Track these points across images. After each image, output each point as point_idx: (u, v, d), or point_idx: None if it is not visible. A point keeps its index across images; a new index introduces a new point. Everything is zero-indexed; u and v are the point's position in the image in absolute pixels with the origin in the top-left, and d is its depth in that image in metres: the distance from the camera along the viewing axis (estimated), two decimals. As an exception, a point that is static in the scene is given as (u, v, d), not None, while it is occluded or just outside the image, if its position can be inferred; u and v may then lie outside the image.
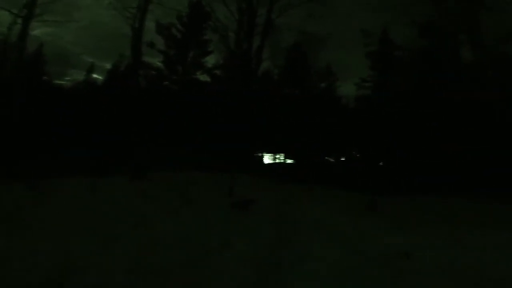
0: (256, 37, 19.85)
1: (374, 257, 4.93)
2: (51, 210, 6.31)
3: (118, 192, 8.29)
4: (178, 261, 4.34)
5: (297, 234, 6.04)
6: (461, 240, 5.63)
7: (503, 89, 14.74)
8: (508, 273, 4.12)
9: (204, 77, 21.16)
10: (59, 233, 5.02)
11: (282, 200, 8.70)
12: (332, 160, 16.27)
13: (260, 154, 16.41)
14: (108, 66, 30.09)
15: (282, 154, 15.94)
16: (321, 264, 4.84)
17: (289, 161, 19.39)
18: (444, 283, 3.87)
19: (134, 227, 5.63)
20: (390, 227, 6.54)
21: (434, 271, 4.24)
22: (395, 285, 3.91)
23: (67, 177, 9.80)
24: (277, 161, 18.58)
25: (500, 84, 15.18)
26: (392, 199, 11.07)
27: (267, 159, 18.29)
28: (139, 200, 7.66)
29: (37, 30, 20.46)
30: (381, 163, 15.79)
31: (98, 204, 6.98)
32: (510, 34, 16.34)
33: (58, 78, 29.73)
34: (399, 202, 10.46)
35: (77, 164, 12.75)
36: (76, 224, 5.57)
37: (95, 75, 31.30)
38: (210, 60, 22.02)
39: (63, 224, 5.54)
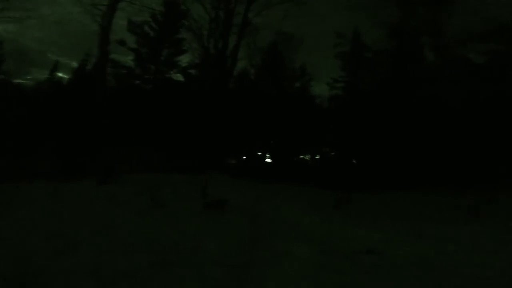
0: (233, 37, 20.00)
1: (344, 254, 5.09)
2: (8, 218, 5.85)
3: (84, 197, 7.87)
4: (146, 265, 4.20)
5: (271, 233, 6.07)
6: (424, 234, 5.95)
7: (461, 89, 15.87)
8: (467, 265, 4.39)
9: (178, 77, 20.73)
10: (19, 240, 4.69)
11: (257, 199, 8.72)
12: (307, 158, 16.55)
13: (238, 154, 16.25)
14: (75, 64, 28.62)
15: (260, 153, 15.90)
16: (294, 263, 4.91)
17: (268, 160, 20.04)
18: (407, 276, 4.06)
19: (99, 232, 5.37)
20: (360, 223, 6.79)
21: (398, 265, 4.43)
22: (362, 280, 4.05)
23: (26, 183, 9.14)
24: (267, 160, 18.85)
25: (458, 84, 16.34)
26: (363, 195, 11.49)
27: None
28: (106, 204, 7.32)
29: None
30: (353, 161, 16.31)
31: (61, 210, 6.58)
32: (467, 36, 17.67)
33: (18, 77, 27.76)
34: (369, 198, 10.89)
35: (39, 168, 11.93)
36: (37, 231, 5.21)
37: (60, 74, 29.67)
38: (185, 59, 21.65)
39: (23, 231, 5.17)
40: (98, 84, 13.41)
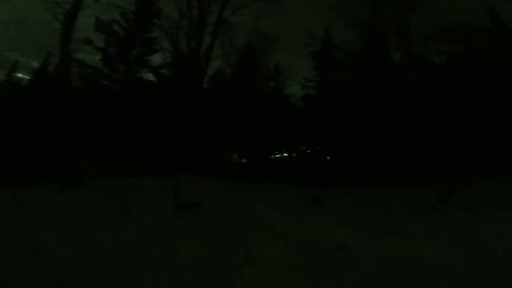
0: (207, 36, 19.83)
1: (316, 251, 5.19)
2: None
3: (47, 203, 7.38)
4: (114, 271, 4.03)
5: (245, 234, 6.07)
6: (393, 229, 6.22)
7: (425, 87, 16.89)
8: (434, 258, 4.63)
9: (149, 76, 20.10)
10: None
11: (231, 200, 8.67)
12: (283, 157, 16.69)
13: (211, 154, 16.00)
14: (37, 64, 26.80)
15: (236, 153, 15.78)
16: (267, 262, 4.94)
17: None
18: (375, 271, 4.21)
19: (63, 239, 5.08)
20: (332, 220, 6.95)
21: (367, 261, 4.59)
22: (333, 277, 4.16)
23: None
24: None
25: (422, 82, 17.41)
26: (337, 192, 11.82)
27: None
28: (71, 210, 6.92)
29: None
30: (328, 158, 16.70)
31: (22, 218, 6.14)
32: (428, 36, 18.92)
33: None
34: (342, 194, 11.20)
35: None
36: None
37: (20, 75, 27.71)
38: (157, 59, 21.05)
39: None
40: (61, 84, 12.61)
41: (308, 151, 17.47)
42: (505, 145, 13.38)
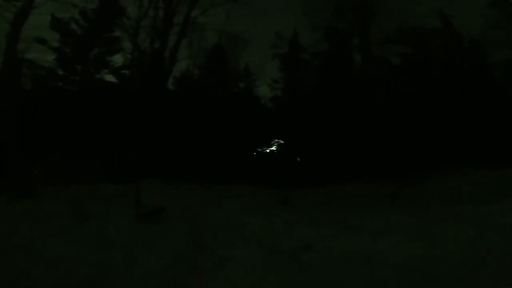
0: (174, 36, 19.37)
1: (283, 252, 5.24)
2: None
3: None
4: (71, 283, 3.74)
5: (213, 238, 5.96)
6: (355, 225, 6.48)
7: (386, 88, 18.04)
8: (388, 253, 4.87)
9: (110, 78, 19.06)
10: None
11: (199, 204, 8.45)
12: (253, 158, 16.59)
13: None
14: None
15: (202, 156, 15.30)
16: (236, 266, 4.90)
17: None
18: (341, 271, 4.34)
19: (14, 252, 4.62)
20: (300, 220, 7.08)
21: (333, 260, 4.73)
22: (300, 277, 4.23)
23: None
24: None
25: (383, 83, 18.58)
26: (305, 191, 12.07)
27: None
28: (21, 220, 6.31)
29: None
30: (297, 158, 16.96)
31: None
32: (385, 39, 20.30)
33: None
34: (309, 194, 11.46)
35: None
36: None
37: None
38: (118, 59, 20.04)
39: None
40: (6, 86, 11.46)
41: (277, 152, 17.67)
42: (461, 141, 14.58)
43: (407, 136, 15.06)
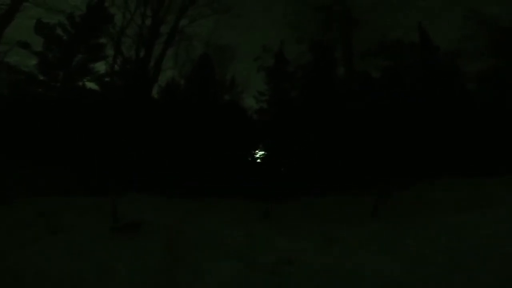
0: (160, 46, 19.34)
1: (263, 265, 5.19)
2: None
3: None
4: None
5: (192, 252, 5.83)
6: (334, 238, 6.51)
7: (366, 101, 18.53)
8: (373, 268, 4.89)
9: (93, 85, 18.69)
10: None
11: (179, 217, 8.25)
12: (236, 169, 16.38)
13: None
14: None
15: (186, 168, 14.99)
16: (215, 280, 4.80)
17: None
18: (319, 285, 4.33)
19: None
20: (281, 233, 7.06)
21: (312, 274, 4.74)
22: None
23: None
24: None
25: (364, 95, 19.09)
26: (288, 203, 12.03)
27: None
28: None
29: None
30: (281, 169, 16.92)
31: None
32: (366, 52, 21.05)
33: None
34: (291, 206, 11.42)
35: None
36: None
37: None
38: (101, 67, 19.70)
39: None
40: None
41: (261, 163, 17.62)
42: (441, 150, 15.07)
43: (387, 146, 15.47)
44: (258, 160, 17.52)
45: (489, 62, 19.70)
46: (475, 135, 15.47)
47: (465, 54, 20.21)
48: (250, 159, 16.44)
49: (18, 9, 17.34)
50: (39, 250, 5.35)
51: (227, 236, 6.64)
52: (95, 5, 20.25)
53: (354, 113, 17.31)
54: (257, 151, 18.10)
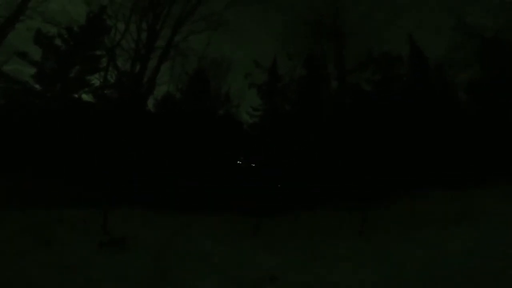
0: (155, 59, 19.63)
1: (248, 282, 5.24)
2: None
3: None
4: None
5: (179, 268, 5.89)
6: (319, 254, 6.58)
7: (356, 113, 18.73)
8: (345, 283, 4.96)
9: (88, 97, 18.84)
10: None
11: (168, 233, 8.28)
12: (228, 184, 16.41)
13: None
14: None
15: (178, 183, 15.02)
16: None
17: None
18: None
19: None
20: (267, 250, 7.11)
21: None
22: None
23: None
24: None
25: (353, 110, 19.30)
26: (276, 218, 12.06)
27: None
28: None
29: None
30: (277, 185, 16.95)
31: None
32: (356, 66, 21.39)
33: None
34: (281, 221, 11.47)
35: None
36: None
37: None
38: (96, 79, 19.90)
39: None
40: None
41: (252, 178, 17.67)
42: (428, 163, 15.19)
43: (377, 159, 15.60)
44: (249, 175, 17.54)
45: (477, 72, 20.16)
46: (465, 145, 15.69)
47: (453, 64, 20.69)
48: (241, 174, 16.42)
49: (17, 20, 17.62)
50: (27, 263, 5.39)
51: (214, 252, 6.70)
52: (94, 16, 20.61)
53: (345, 127, 17.54)
54: (250, 165, 18.15)
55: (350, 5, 23.86)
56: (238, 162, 16.88)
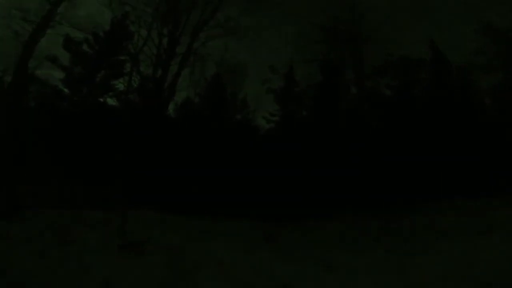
0: (175, 65, 20.13)
1: (261, 290, 5.18)
2: None
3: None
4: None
5: (193, 273, 5.93)
6: (334, 264, 6.40)
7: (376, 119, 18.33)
8: None
9: (112, 101, 19.61)
10: None
11: (185, 237, 8.37)
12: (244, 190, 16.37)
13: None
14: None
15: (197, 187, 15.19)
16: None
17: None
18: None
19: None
20: (281, 258, 7.00)
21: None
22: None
23: None
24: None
25: (374, 115, 18.88)
26: (292, 225, 11.89)
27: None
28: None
29: None
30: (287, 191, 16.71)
31: None
32: (377, 69, 20.82)
33: None
34: (297, 229, 11.28)
35: None
36: None
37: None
38: (123, 84, 20.64)
39: None
40: (10, 103, 11.78)
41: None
42: (451, 169, 14.54)
43: (395, 166, 15.07)
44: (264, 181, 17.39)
45: (502, 76, 19.13)
46: (488, 152, 14.89)
47: (477, 68, 19.73)
48: (257, 179, 16.31)
49: (48, 26, 18.60)
50: (48, 262, 5.61)
51: (228, 259, 6.68)
52: (118, 22, 21.40)
53: (363, 132, 17.13)
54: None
55: (368, 9, 23.28)
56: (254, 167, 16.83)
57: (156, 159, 14.65)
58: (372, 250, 7.71)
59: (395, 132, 16.70)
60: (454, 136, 15.91)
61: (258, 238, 9.45)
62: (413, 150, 15.61)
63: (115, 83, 20.12)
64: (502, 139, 15.59)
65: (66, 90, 19.06)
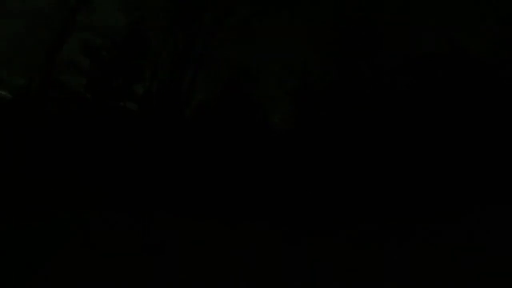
0: (192, 68, 20.48)
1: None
2: None
3: None
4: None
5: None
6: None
7: (394, 119, 17.72)
8: None
9: (131, 105, 20.13)
10: None
11: (201, 242, 8.45)
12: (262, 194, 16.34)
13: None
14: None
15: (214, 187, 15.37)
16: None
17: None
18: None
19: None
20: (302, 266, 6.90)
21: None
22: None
23: None
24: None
25: (391, 115, 18.26)
26: (316, 233, 11.59)
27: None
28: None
29: None
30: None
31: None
32: (393, 68, 20.19)
33: None
34: (318, 237, 10.97)
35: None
36: None
37: (3, 92, 27.26)
38: (141, 88, 21.23)
39: None
40: (34, 107, 12.38)
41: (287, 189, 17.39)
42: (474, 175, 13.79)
43: (427, 168, 14.54)
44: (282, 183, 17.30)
45: None
46: None
47: (499, 62, 18.73)
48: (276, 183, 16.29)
49: (69, 33, 19.40)
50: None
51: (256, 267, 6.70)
52: (135, 27, 21.91)
53: (383, 131, 16.70)
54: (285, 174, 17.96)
55: (384, 7, 22.69)
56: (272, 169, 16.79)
57: (175, 161, 14.91)
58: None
59: (414, 131, 16.17)
60: (484, 135, 15.12)
61: (279, 242, 9.38)
62: (439, 149, 15.05)
63: (134, 87, 20.58)
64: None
65: (88, 95, 19.78)
